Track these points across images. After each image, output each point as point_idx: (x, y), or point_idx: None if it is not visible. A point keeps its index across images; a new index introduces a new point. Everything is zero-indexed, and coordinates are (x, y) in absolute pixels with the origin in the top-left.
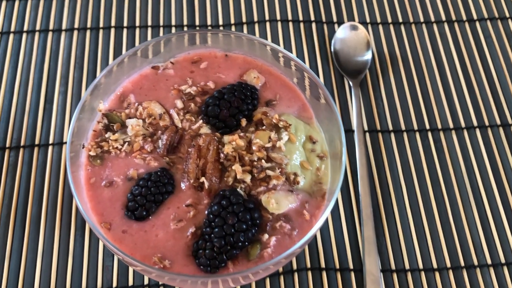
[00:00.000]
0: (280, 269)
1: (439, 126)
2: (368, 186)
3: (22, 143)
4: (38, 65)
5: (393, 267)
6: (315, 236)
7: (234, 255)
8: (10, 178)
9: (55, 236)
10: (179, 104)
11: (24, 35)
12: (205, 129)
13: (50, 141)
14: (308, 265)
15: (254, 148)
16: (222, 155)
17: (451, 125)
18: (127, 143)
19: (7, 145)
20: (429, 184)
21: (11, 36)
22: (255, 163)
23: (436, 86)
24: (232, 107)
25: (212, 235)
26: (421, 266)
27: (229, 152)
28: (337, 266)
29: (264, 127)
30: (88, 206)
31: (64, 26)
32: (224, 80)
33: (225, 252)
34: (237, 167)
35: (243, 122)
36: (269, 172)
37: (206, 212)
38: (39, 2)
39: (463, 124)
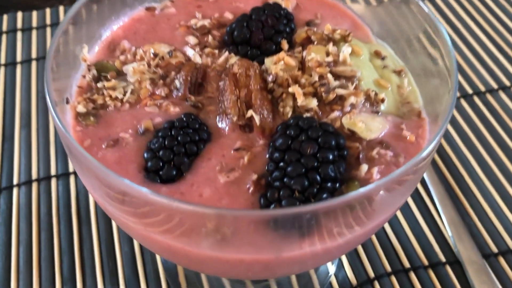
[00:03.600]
0: (354, 281)
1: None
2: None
3: None
4: None
5: (494, 249)
6: (385, 233)
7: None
8: None
9: None
10: (192, 40)
11: None
12: (235, 60)
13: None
14: (388, 269)
15: (310, 64)
16: (269, 79)
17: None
18: (129, 91)
19: None
20: (498, 149)
21: None
22: (317, 83)
23: None
24: (265, 27)
25: (286, 178)
26: None
27: (279, 73)
28: (426, 263)
29: (315, 43)
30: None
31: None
32: (244, 9)
33: (312, 196)
34: (296, 89)
35: (284, 44)
36: (341, 91)
37: (267, 152)
38: None
39: None
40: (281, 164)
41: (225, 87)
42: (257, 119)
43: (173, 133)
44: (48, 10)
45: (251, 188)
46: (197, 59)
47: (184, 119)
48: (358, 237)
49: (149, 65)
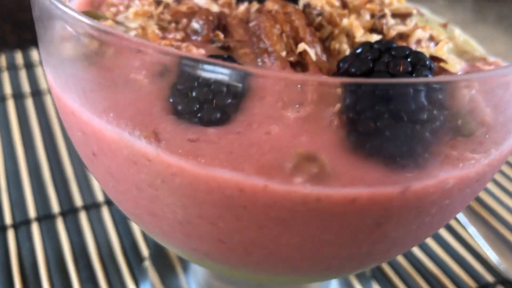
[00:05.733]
0: None
1: None
2: None
3: None
4: None
5: None
6: (418, 260)
7: None
8: None
9: None
10: None
11: None
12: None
13: None
14: None
15: (356, 3)
16: (314, 13)
17: None
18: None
19: None
20: None
21: None
22: (374, 18)
23: None
24: None
25: None
26: None
27: (325, 7)
28: (473, 286)
29: None
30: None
31: None
32: None
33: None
34: (352, 22)
35: None
36: (402, 28)
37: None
38: None
39: None
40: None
41: (261, 24)
42: (311, 53)
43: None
44: None
45: (335, 122)
46: (213, 8)
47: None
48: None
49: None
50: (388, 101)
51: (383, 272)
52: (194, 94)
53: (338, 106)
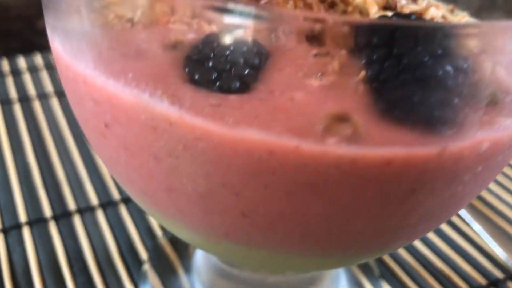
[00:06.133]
0: None
1: None
2: None
3: None
4: None
5: None
6: (426, 259)
7: None
8: None
9: None
10: None
11: None
12: None
13: None
14: None
15: None
16: None
17: None
18: (139, 12)
19: None
20: None
21: None
22: None
23: None
24: None
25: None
26: None
27: None
28: (483, 282)
29: None
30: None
31: None
32: None
33: None
34: (366, 0)
35: None
36: (414, 7)
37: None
38: None
39: None
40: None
41: (273, 1)
42: (330, 20)
43: (220, 43)
44: None
45: (360, 87)
46: None
47: None
48: None
49: None
50: (415, 65)
51: (392, 271)
52: (210, 64)
53: (363, 73)
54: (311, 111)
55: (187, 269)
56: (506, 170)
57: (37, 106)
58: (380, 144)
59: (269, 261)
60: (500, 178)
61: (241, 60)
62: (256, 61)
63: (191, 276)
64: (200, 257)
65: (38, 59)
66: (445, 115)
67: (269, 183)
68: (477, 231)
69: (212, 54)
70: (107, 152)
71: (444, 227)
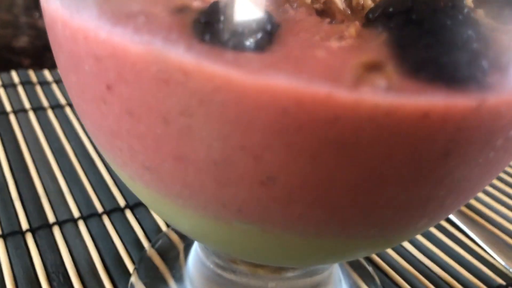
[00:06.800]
0: None
1: None
2: None
3: None
4: None
5: None
6: (426, 266)
7: None
8: None
9: None
10: None
11: None
12: None
13: None
14: None
15: None
16: None
17: None
18: None
19: None
20: None
21: None
22: None
23: None
24: None
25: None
26: None
27: None
28: None
29: None
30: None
31: None
32: None
33: None
34: None
35: None
36: None
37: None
38: None
39: None
40: None
41: None
42: (338, 0)
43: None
44: None
45: (382, 49)
46: None
47: None
48: None
49: None
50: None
51: (392, 280)
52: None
53: (384, 35)
54: (343, 59)
55: (179, 279)
56: (496, 182)
57: (13, 121)
58: (417, 92)
59: (278, 248)
60: (489, 188)
61: (253, 24)
62: (268, 26)
63: (183, 285)
64: (192, 266)
65: (15, 77)
66: (478, 72)
67: (293, 142)
68: (474, 240)
69: (224, 14)
70: (107, 123)
71: (444, 238)
